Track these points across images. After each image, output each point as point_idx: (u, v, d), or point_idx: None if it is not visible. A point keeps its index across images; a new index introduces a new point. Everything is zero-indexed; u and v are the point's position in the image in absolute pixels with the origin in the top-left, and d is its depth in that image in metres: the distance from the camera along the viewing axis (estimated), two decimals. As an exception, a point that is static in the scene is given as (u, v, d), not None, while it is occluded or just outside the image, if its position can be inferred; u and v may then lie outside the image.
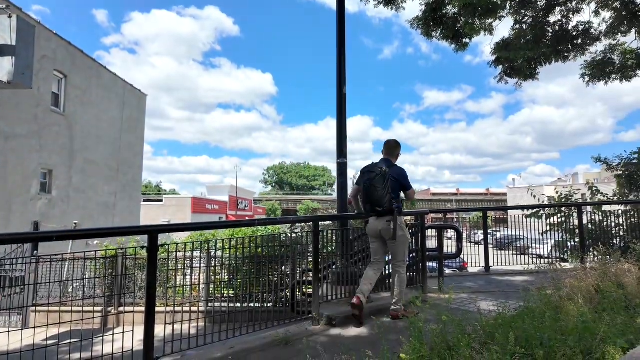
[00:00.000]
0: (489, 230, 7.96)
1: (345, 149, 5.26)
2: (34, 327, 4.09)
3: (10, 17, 5.08)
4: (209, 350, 3.59)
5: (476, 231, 10.20)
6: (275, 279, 4.93)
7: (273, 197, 69.99)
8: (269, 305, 4.77)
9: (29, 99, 12.91)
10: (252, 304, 4.31)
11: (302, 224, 8.15)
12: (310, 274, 4.30)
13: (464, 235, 7.87)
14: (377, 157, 4.76)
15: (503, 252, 7.91)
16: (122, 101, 18.55)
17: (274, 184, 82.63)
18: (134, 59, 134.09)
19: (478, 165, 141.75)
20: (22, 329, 5.54)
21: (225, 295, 6.19)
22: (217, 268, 5.67)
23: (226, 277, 5.78)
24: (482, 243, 7.46)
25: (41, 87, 13.51)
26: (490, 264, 7.31)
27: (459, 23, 8.06)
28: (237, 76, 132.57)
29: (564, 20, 8.55)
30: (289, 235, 4.81)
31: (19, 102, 12.61)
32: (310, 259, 4.48)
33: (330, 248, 4.98)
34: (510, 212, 8.65)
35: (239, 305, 4.36)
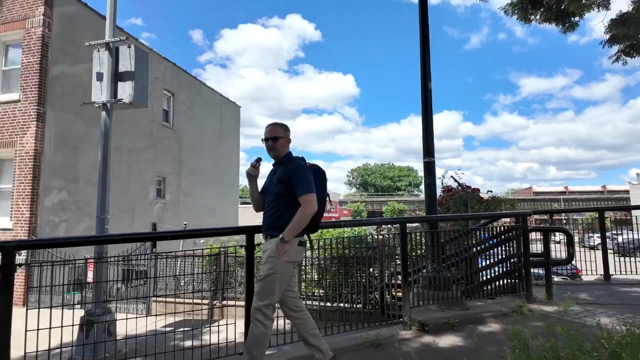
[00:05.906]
0: (608, 234, 6.93)
1: (432, 147, 5.06)
2: (155, 315, 4.71)
3: (129, 47, 5.95)
4: (302, 346, 3.73)
5: (591, 234, 8.94)
6: (364, 280, 4.93)
7: (358, 198, 70.16)
8: (358, 306, 4.80)
9: (145, 117, 14.96)
10: (341, 304, 4.38)
11: (389, 226, 8.03)
12: (399, 276, 4.21)
13: (576, 239, 6.97)
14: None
15: (627, 258, 6.80)
16: (220, 113, 20.45)
17: (358, 186, 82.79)
18: (226, 73, 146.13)
19: (590, 159, 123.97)
20: (146, 316, 6.42)
21: (315, 294, 6.39)
22: (306, 267, 5.88)
23: (315, 277, 5.96)
24: (599, 248, 6.52)
25: (154, 105, 15.55)
26: (611, 272, 6.37)
27: (563, 1, 7.16)
28: (319, 80, 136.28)
29: None
30: (376, 236, 4.77)
31: (137, 120, 14.69)
32: (398, 261, 4.39)
33: (419, 251, 4.82)
34: (634, 212, 7.42)
35: (329, 304, 4.46)
